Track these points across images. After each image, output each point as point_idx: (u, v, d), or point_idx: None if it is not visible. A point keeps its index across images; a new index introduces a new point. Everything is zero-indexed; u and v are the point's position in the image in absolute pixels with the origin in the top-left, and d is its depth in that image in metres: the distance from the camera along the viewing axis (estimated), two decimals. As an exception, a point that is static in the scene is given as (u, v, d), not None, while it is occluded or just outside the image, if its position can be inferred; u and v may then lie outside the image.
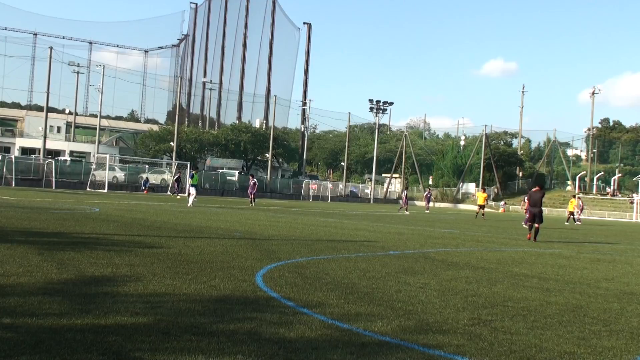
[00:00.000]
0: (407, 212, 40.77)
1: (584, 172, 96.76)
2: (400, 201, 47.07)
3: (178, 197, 41.76)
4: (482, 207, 37.74)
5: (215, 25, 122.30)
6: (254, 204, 35.08)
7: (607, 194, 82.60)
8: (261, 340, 4.68)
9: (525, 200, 19.74)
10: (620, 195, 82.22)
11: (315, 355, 4.39)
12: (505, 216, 51.79)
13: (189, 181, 30.93)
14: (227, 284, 7.09)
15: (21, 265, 7.56)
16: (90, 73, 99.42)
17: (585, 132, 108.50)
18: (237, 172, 68.39)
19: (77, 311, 5.29)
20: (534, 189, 19.34)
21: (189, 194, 30.36)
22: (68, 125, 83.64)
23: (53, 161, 51.25)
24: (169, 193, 46.68)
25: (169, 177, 57.86)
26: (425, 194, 48.48)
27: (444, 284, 8.10)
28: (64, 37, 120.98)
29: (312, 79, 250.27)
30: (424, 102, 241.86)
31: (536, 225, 18.15)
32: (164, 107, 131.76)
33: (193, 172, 32.03)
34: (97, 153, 63.08)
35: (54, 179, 48.53)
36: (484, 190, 39.36)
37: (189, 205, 27.96)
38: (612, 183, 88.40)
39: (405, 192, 46.29)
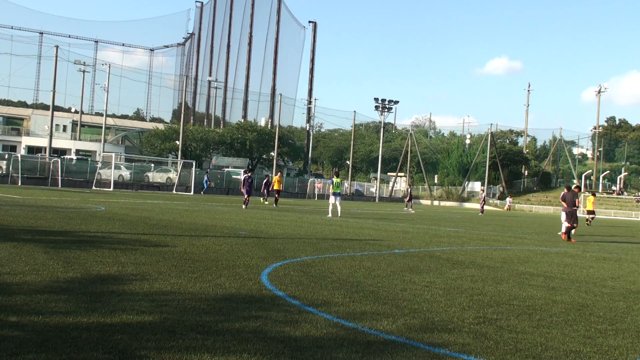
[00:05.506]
0: (410, 210, 41.03)
1: (590, 170, 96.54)
2: (405, 199, 47.43)
3: (266, 202, 36.77)
4: (591, 212, 31.25)
5: (221, 23, 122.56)
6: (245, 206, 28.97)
7: (613, 192, 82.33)
8: (267, 339, 4.69)
9: (561, 201, 19.73)
10: (626, 193, 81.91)
11: (320, 353, 4.39)
12: (510, 214, 51.73)
13: (330, 189, 25.77)
14: (233, 283, 7.10)
15: (27, 263, 7.58)
16: (96, 72, 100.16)
17: (591, 130, 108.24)
18: (242, 170, 68.31)
19: (83, 309, 5.31)
20: (570, 191, 19.50)
21: (333, 204, 25.74)
22: (74, 123, 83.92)
23: (59, 160, 51.38)
24: (261, 200, 38.50)
25: (174, 175, 57.91)
26: (481, 195, 47.20)
27: (450, 283, 8.08)
28: (69, 36, 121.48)
29: (318, 77, 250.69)
30: (429, 100, 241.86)
31: (574, 225, 18.78)
32: (170, 105, 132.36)
33: (334, 178, 26.94)
34: (103, 152, 63.17)
35: (59, 178, 48.62)
36: (594, 194, 33.21)
37: (338, 216, 24.99)
38: (618, 182, 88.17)
39: (410, 190, 46.36)
